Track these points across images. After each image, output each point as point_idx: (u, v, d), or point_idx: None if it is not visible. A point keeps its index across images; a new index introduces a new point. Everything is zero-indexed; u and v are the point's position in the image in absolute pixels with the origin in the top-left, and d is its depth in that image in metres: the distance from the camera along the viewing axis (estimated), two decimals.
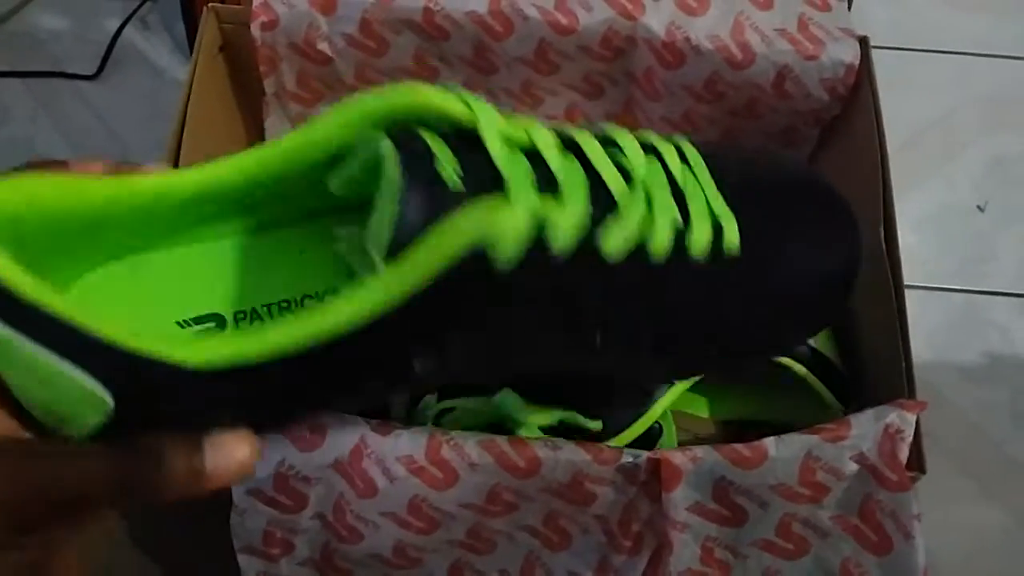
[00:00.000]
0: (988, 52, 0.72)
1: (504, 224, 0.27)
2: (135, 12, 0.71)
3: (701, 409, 0.50)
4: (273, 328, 0.27)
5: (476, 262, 0.27)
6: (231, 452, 0.27)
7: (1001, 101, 0.70)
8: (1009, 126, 0.69)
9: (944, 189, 0.66)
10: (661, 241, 0.31)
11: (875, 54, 0.48)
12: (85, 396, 0.25)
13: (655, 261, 0.31)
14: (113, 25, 0.70)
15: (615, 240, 0.30)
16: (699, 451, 0.38)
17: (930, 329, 0.61)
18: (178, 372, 0.26)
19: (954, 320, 0.61)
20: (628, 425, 0.42)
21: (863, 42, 0.48)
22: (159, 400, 0.26)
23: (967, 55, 0.72)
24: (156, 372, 0.25)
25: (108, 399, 0.25)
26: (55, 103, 0.67)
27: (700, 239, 0.32)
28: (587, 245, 0.29)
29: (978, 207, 0.65)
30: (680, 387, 0.43)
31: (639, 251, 0.31)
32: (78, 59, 0.69)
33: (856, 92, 0.49)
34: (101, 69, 0.69)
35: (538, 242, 0.28)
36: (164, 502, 0.26)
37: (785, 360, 0.45)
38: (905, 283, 0.43)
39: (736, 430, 0.49)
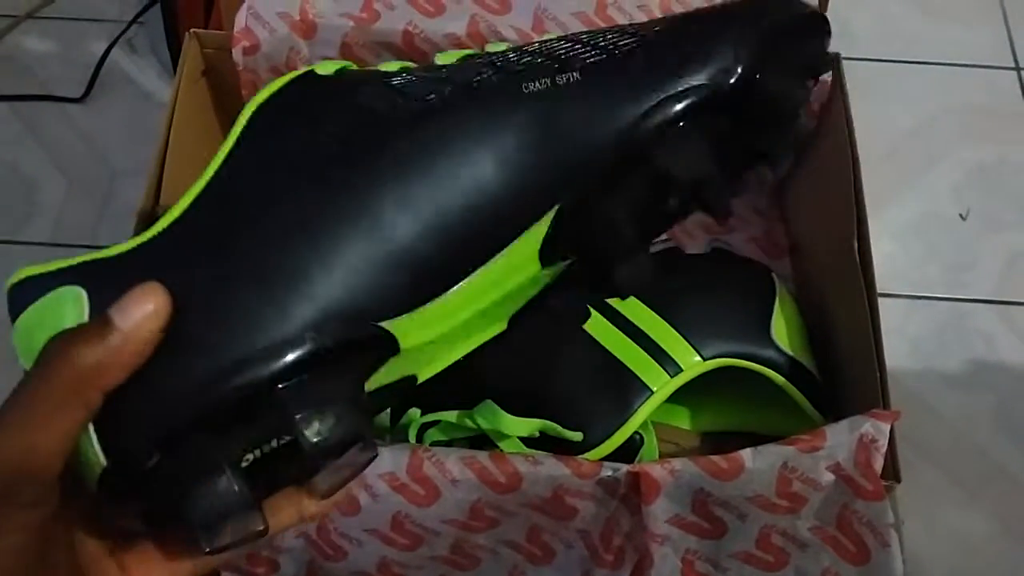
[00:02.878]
0: (966, 62, 0.73)
1: None
2: (121, 35, 0.71)
3: (682, 420, 0.50)
4: None
5: None
6: None
7: (980, 110, 0.71)
8: (988, 134, 0.69)
9: (925, 198, 0.67)
10: None
11: (855, 65, 0.49)
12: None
13: None
14: (100, 48, 0.71)
15: None
16: (677, 463, 0.38)
17: (914, 338, 0.61)
18: None
19: (938, 328, 0.62)
20: (608, 435, 0.43)
21: (835, 58, 0.49)
22: None
23: (945, 65, 0.73)
24: None
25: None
26: (42, 126, 0.68)
27: None
28: None
29: (960, 215, 0.66)
30: (659, 397, 0.44)
31: None
32: (65, 82, 0.70)
33: (829, 107, 0.49)
34: (88, 92, 0.69)
35: None
36: None
37: (763, 370, 0.45)
38: (888, 292, 0.43)
39: (718, 441, 0.49)
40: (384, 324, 0.28)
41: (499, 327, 0.34)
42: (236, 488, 0.25)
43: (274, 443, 0.27)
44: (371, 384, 0.29)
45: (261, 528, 0.27)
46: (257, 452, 0.27)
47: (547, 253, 0.31)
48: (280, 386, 0.26)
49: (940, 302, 0.62)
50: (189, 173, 0.48)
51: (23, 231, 0.63)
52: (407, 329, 0.28)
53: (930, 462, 0.57)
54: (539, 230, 0.30)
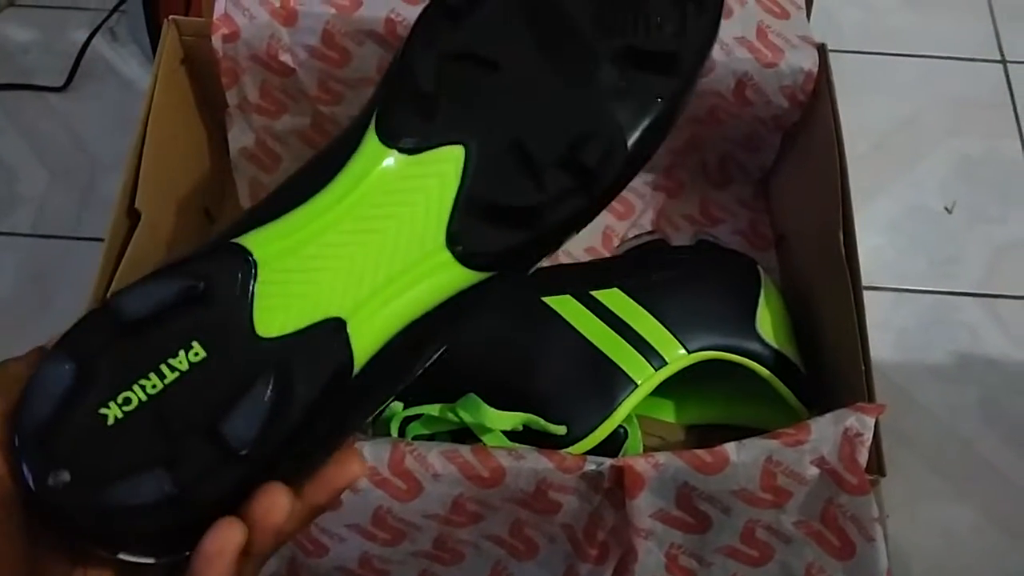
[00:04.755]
0: (952, 55, 0.73)
1: None
2: (103, 23, 0.71)
3: (667, 414, 0.50)
4: None
5: None
6: None
7: (966, 103, 0.71)
8: (974, 127, 0.69)
9: (911, 191, 0.67)
10: None
11: (842, 58, 0.48)
12: None
13: None
14: (81, 37, 0.70)
15: None
16: (661, 457, 0.38)
17: (900, 330, 0.61)
18: None
19: (923, 321, 0.62)
20: (592, 429, 0.43)
21: (821, 49, 0.49)
22: None
23: (932, 58, 0.73)
24: None
25: None
26: (23, 115, 0.67)
27: None
28: None
29: (945, 208, 0.66)
30: (644, 390, 0.43)
31: None
32: (46, 71, 0.69)
33: (816, 98, 0.49)
34: (69, 81, 0.68)
35: None
36: None
37: (748, 363, 0.45)
38: (874, 285, 0.43)
39: (703, 434, 0.49)
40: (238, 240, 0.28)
41: (439, 254, 0.29)
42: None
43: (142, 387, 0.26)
44: (284, 327, 0.28)
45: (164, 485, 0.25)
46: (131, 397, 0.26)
47: (385, 130, 0.30)
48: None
49: (926, 295, 0.62)
50: (168, 164, 0.48)
51: (4, 221, 0.62)
52: (258, 240, 0.28)
53: (915, 455, 0.57)
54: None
